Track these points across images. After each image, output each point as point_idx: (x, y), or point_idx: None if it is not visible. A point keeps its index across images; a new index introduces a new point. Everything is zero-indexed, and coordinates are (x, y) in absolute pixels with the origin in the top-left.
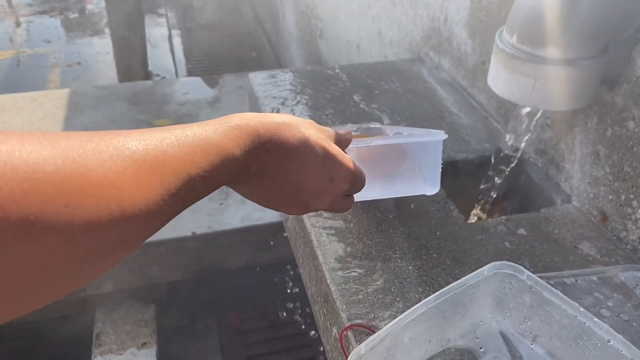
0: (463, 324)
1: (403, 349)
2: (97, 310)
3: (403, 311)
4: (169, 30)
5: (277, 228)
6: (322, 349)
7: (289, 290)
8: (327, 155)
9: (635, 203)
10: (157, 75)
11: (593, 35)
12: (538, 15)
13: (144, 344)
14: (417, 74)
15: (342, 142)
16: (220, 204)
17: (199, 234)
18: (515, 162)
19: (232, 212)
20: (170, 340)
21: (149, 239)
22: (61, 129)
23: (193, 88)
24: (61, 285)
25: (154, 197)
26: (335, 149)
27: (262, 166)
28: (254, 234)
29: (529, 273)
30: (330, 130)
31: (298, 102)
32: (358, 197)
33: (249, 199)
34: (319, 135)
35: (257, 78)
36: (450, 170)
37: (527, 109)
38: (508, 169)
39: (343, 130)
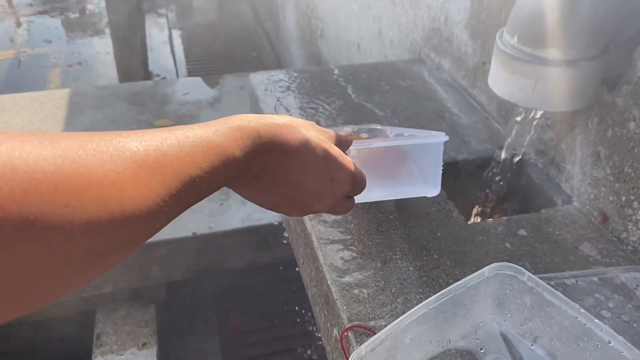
0: (463, 325)
1: (403, 350)
2: (98, 310)
3: (403, 312)
4: (170, 30)
5: (277, 229)
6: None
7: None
8: (328, 157)
9: (635, 204)
10: (158, 75)
11: (593, 36)
12: (539, 16)
13: (145, 344)
14: (417, 74)
15: (343, 143)
16: (221, 205)
17: (200, 234)
18: (515, 163)
19: (232, 212)
20: (171, 341)
21: (149, 239)
22: (62, 129)
23: (193, 88)
24: (61, 285)
25: (154, 197)
26: (335, 151)
27: (262, 167)
28: (255, 235)
29: (530, 274)
30: (330, 132)
31: (298, 103)
32: (359, 198)
33: (249, 200)
34: (319, 136)
35: (257, 78)
36: (451, 171)
37: (527, 110)
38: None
39: (344, 131)
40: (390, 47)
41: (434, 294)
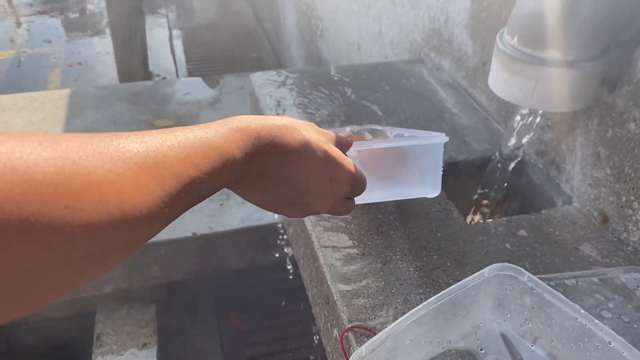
0: (464, 325)
1: (404, 350)
2: (98, 310)
3: (404, 313)
4: (170, 30)
5: (277, 229)
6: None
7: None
8: (328, 158)
9: (636, 205)
10: (158, 75)
11: (594, 37)
12: (539, 17)
13: (145, 344)
14: (417, 74)
15: (343, 145)
16: (221, 205)
17: (200, 235)
18: (515, 164)
19: (232, 212)
20: (171, 341)
21: (148, 241)
22: (62, 129)
23: (193, 88)
24: (61, 286)
25: (154, 199)
26: (336, 152)
27: (262, 169)
28: (255, 235)
29: (530, 275)
30: (331, 133)
31: (298, 103)
32: (359, 199)
33: (249, 201)
34: (319, 138)
35: (258, 78)
36: (451, 172)
37: (528, 111)
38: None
39: (344, 133)
40: (390, 47)
41: (434, 295)
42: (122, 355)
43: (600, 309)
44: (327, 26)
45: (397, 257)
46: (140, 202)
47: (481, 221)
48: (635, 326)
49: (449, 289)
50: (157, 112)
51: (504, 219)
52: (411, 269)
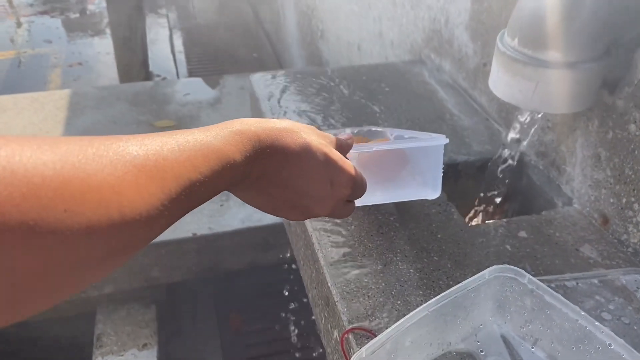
0: (464, 327)
1: (404, 352)
2: (98, 311)
3: (404, 314)
4: (170, 30)
5: (277, 229)
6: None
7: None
8: (328, 161)
9: (636, 206)
10: (158, 75)
11: (594, 39)
12: (539, 18)
13: (145, 345)
14: (418, 75)
15: (343, 147)
16: (221, 205)
17: (200, 235)
18: (515, 165)
19: (232, 213)
20: (171, 341)
21: (148, 244)
22: (62, 129)
23: (194, 89)
24: (61, 289)
25: (154, 202)
26: (336, 155)
27: (263, 171)
28: (255, 236)
29: (530, 276)
30: (331, 136)
31: (299, 104)
32: (359, 202)
33: (249, 204)
34: (320, 140)
35: (258, 79)
36: (451, 173)
37: (528, 112)
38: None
39: (344, 135)
40: (390, 48)
41: (435, 296)
42: (122, 355)
43: (601, 311)
44: (327, 27)
45: (398, 258)
46: (140, 205)
47: (481, 222)
48: (635, 328)
49: (449, 290)
50: (157, 113)
51: (504, 220)
52: (411, 271)
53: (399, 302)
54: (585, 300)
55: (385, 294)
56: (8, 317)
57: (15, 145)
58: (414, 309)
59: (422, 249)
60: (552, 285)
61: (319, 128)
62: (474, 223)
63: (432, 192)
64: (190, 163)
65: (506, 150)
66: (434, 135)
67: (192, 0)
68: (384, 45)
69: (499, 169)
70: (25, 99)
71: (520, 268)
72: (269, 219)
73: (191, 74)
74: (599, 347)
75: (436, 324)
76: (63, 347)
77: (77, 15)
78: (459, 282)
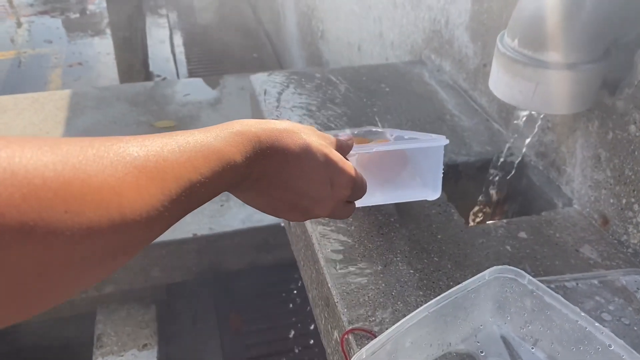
0: (464, 328)
1: (404, 353)
2: (98, 311)
3: (404, 315)
4: (170, 30)
5: (278, 230)
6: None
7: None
8: (328, 162)
9: (636, 207)
10: (158, 75)
11: (594, 40)
12: (540, 19)
13: (145, 345)
14: (418, 76)
15: (343, 148)
16: (222, 206)
17: (200, 236)
18: (516, 165)
19: (233, 213)
20: (171, 342)
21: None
22: (62, 130)
23: (194, 89)
24: (61, 290)
25: (154, 203)
26: (336, 156)
27: (263, 172)
28: (255, 236)
29: (530, 277)
30: (331, 137)
31: (299, 104)
32: (359, 203)
33: (249, 204)
34: (320, 141)
35: (258, 79)
36: (452, 173)
37: (528, 113)
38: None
39: (344, 136)
40: (391, 48)
41: (435, 297)
42: (122, 356)
43: (601, 312)
44: (327, 27)
45: (398, 259)
46: (141, 206)
47: (481, 223)
48: (635, 329)
49: (449, 291)
50: (157, 113)
51: (504, 220)
52: (411, 271)
53: (399, 302)
54: (585, 301)
55: (385, 295)
56: (8, 317)
57: (16, 146)
58: (414, 309)
59: (422, 249)
60: (552, 286)
61: (318, 129)
62: (474, 224)
63: (433, 192)
64: (190, 164)
65: (506, 151)
66: (434, 136)
67: (192, 0)
68: (384, 46)
69: (499, 169)
70: (26, 99)
71: (520, 269)
72: (269, 219)
73: (191, 74)
74: (599, 348)
75: (436, 325)
76: (63, 348)
77: (78, 15)
78: (459, 283)
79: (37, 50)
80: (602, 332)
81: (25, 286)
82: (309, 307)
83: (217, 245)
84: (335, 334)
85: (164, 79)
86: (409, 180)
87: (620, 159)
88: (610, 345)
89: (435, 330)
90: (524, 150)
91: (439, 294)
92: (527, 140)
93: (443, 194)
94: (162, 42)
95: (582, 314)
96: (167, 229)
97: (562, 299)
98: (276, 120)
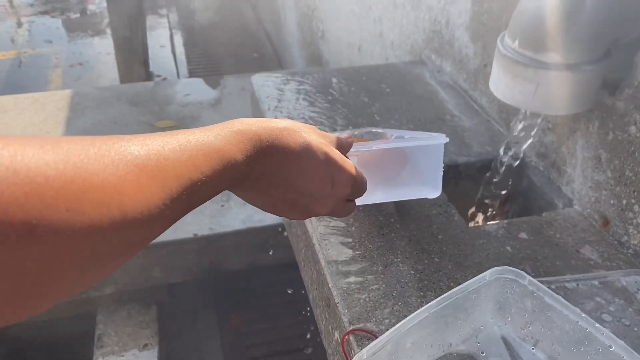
0: (465, 328)
1: (405, 353)
2: (99, 311)
3: (405, 316)
4: (171, 30)
5: (278, 230)
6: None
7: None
8: (329, 160)
9: (636, 207)
10: (159, 76)
11: (595, 40)
12: (540, 20)
13: (146, 345)
14: (418, 76)
15: (344, 146)
16: (222, 206)
17: (201, 236)
18: (516, 166)
19: (233, 213)
20: (172, 342)
21: (149, 243)
22: (63, 130)
23: (194, 89)
24: (62, 288)
25: (155, 201)
26: (336, 154)
27: (263, 171)
28: (256, 236)
29: (531, 278)
30: (331, 136)
31: (299, 104)
32: (360, 201)
33: (250, 203)
34: (320, 140)
35: (259, 80)
36: (452, 174)
37: (529, 114)
38: (510, 174)
39: (344, 135)
40: (391, 49)
41: (435, 298)
42: (123, 356)
43: (601, 312)
44: (328, 27)
45: (398, 259)
46: (142, 204)
47: (482, 224)
48: (635, 329)
49: (450, 292)
50: (158, 113)
51: (505, 221)
52: (412, 272)
53: (399, 303)
54: (586, 302)
55: (386, 295)
56: (10, 315)
57: (18, 145)
58: (415, 310)
59: (423, 250)
60: (553, 286)
61: (318, 128)
62: (474, 224)
63: (433, 191)
64: (191, 163)
65: (507, 151)
66: (434, 134)
67: (192, 0)
68: (385, 46)
69: (500, 170)
70: (26, 99)
71: (521, 269)
72: (269, 219)
73: (192, 74)
74: (599, 349)
75: (437, 326)
76: (64, 348)
77: (78, 15)
78: (459, 284)
79: (38, 50)
80: (603, 333)
81: (27, 284)
82: (310, 308)
83: (217, 246)
84: (336, 334)
85: (165, 79)
86: (409, 179)
87: (621, 160)
88: (610, 346)
89: (436, 330)
90: (523, 149)
91: (440, 295)
92: (528, 141)
93: (444, 194)
94: (163, 42)
95: (583, 314)
96: (168, 228)
97: (563, 299)
98: (276, 119)
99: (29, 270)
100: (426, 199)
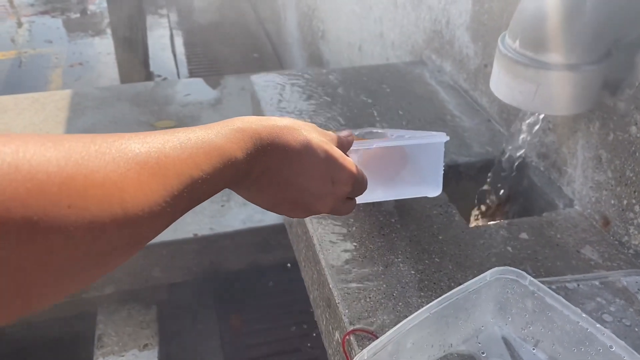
0: (465, 329)
1: (405, 354)
2: (99, 311)
3: (405, 316)
4: (171, 30)
5: (278, 230)
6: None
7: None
8: (329, 158)
9: (637, 208)
10: (159, 76)
11: (596, 41)
12: (541, 20)
13: (146, 345)
14: (419, 76)
15: (344, 145)
16: (222, 206)
17: (201, 236)
18: (517, 166)
19: (233, 213)
20: (172, 342)
21: (150, 241)
22: (63, 130)
23: (195, 89)
24: (64, 285)
25: (156, 198)
26: (337, 152)
27: (264, 169)
28: (256, 236)
29: (531, 278)
30: (332, 134)
31: (300, 104)
32: (360, 199)
33: (250, 201)
34: (320, 138)
35: (259, 80)
36: (453, 174)
37: (529, 114)
38: (511, 175)
39: (344, 133)
40: (391, 49)
41: (436, 298)
42: (123, 356)
43: (602, 313)
44: (328, 27)
45: (399, 259)
46: (143, 201)
47: (483, 224)
48: (636, 330)
49: (450, 292)
50: (158, 113)
51: (506, 221)
52: (413, 272)
53: (400, 303)
54: (586, 302)
55: (386, 296)
56: (11, 311)
57: (19, 142)
58: (416, 310)
59: (424, 250)
60: (553, 287)
61: (319, 128)
62: (475, 224)
63: (434, 189)
64: (192, 160)
65: (507, 152)
66: (434, 133)
67: (193, 0)
68: (385, 46)
69: (500, 170)
70: (26, 99)
71: (522, 270)
72: (270, 219)
73: (192, 74)
74: (600, 349)
75: (437, 326)
76: (64, 348)
77: (78, 15)
78: (460, 284)
79: (38, 50)
80: (603, 334)
81: (29, 281)
82: (310, 308)
83: (217, 246)
84: (337, 334)
85: (165, 79)
86: (410, 177)
87: (622, 160)
88: (611, 347)
89: (437, 331)
90: (524, 151)
91: (440, 295)
92: (528, 141)
93: (444, 194)
94: (163, 42)
95: (583, 315)
96: (168, 226)
97: (563, 300)
98: (277, 117)
99: (31, 266)
100: (427, 198)
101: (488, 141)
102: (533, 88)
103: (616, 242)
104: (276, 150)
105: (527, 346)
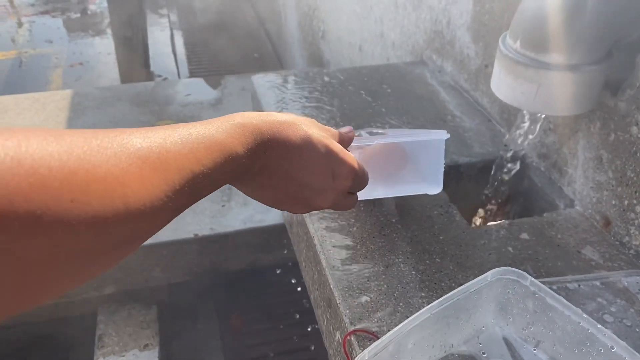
0: (466, 329)
1: (406, 354)
2: (99, 311)
3: (406, 316)
4: (171, 30)
5: (279, 230)
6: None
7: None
8: (330, 153)
9: (638, 208)
10: (159, 76)
11: (596, 41)
12: (542, 20)
13: (146, 345)
14: (419, 76)
15: (345, 140)
16: (223, 206)
17: (201, 236)
18: (517, 167)
19: (234, 214)
20: (172, 342)
21: (150, 241)
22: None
23: (195, 89)
24: (66, 279)
25: (158, 193)
26: (337, 147)
27: (264, 164)
28: (256, 236)
29: (532, 279)
30: (332, 129)
31: (300, 105)
32: (361, 195)
33: (251, 197)
34: (321, 133)
35: (259, 80)
36: (453, 174)
37: (530, 114)
38: (511, 174)
39: (345, 129)
40: (392, 49)
41: (437, 298)
42: (123, 356)
43: (603, 313)
44: (329, 27)
45: (400, 260)
46: (144, 196)
47: (483, 224)
48: (637, 330)
49: (451, 292)
50: (158, 113)
51: (506, 222)
52: (413, 272)
53: (401, 304)
54: (587, 303)
55: (387, 296)
56: (14, 306)
57: (22, 136)
58: (416, 311)
59: (424, 250)
60: (554, 287)
61: None
62: (476, 225)
63: (434, 187)
64: (193, 155)
65: (508, 152)
66: (434, 131)
67: (193, 0)
68: (386, 46)
69: (501, 171)
70: (27, 99)
71: (522, 270)
72: (270, 219)
73: (192, 74)
74: (601, 350)
75: (438, 326)
76: (64, 348)
77: (78, 15)
78: (461, 284)
79: (38, 50)
80: (604, 334)
81: (31, 275)
82: (311, 308)
83: (218, 246)
84: (338, 335)
85: (165, 79)
86: (411, 174)
87: (622, 161)
88: (612, 347)
89: (438, 331)
90: (525, 151)
91: (441, 295)
92: (529, 142)
93: (445, 194)
94: (163, 42)
95: (584, 315)
96: (170, 221)
97: (564, 300)
98: (277, 113)
99: (34, 260)
100: (427, 198)
101: (489, 141)
102: (534, 88)
103: (617, 243)
104: (277, 146)
105: (528, 347)
